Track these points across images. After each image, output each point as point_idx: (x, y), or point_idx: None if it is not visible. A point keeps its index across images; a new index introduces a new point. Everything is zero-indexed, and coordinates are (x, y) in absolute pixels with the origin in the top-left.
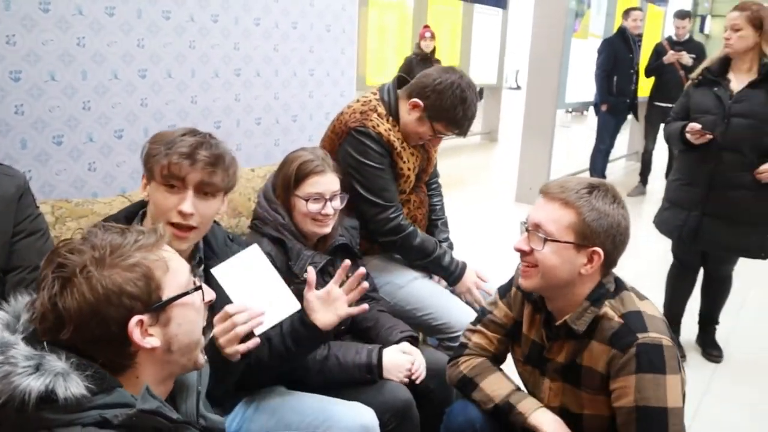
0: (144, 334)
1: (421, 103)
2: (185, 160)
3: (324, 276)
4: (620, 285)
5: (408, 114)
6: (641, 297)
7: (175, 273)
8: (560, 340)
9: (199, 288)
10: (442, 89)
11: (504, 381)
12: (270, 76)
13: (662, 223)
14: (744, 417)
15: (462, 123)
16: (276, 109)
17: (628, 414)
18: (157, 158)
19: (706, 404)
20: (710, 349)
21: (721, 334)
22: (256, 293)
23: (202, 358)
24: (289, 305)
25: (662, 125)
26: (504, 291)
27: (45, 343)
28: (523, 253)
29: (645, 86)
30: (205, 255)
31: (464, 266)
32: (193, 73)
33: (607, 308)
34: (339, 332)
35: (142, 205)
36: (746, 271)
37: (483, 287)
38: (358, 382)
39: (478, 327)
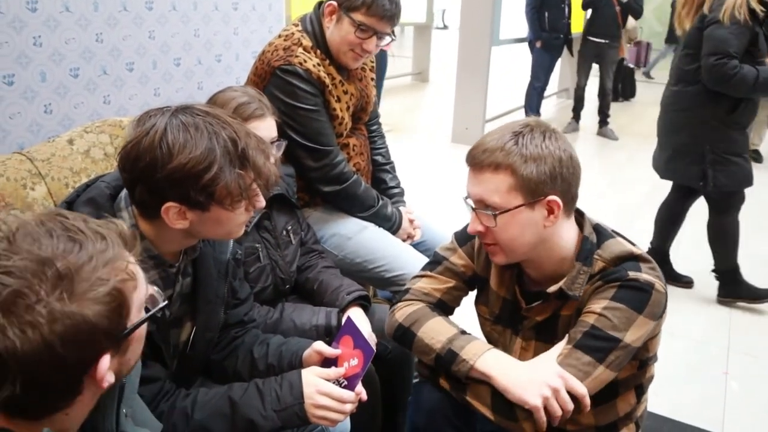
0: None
1: (334, 1)
2: None
3: (260, 231)
4: (602, 233)
5: (329, 27)
6: (630, 241)
7: (139, 286)
8: (546, 302)
9: (166, 305)
10: None
11: (445, 325)
12: (188, 9)
13: None
14: (689, 348)
15: (381, 1)
16: (197, 48)
17: (580, 324)
18: None
19: None
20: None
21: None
22: None
23: None
24: None
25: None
26: (464, 239)
27: None
28: (482, 234)
29: (577, 22)
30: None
31: (401, 213)
32: (95, 6)
33: (599, 263)
34: (284, 292)
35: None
36: None
37: (417, 227)
38: None
39: (428, 272)
